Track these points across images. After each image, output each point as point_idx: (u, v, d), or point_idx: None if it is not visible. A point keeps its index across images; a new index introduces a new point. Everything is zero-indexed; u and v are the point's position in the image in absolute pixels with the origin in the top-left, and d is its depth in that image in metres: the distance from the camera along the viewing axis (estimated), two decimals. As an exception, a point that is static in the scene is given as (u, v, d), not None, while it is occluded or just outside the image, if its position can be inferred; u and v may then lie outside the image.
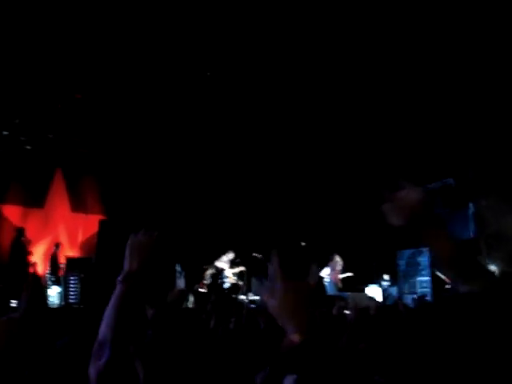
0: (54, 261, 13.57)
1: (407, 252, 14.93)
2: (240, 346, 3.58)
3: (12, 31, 9.33)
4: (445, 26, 8.89)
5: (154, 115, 12.38)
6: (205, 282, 13.85)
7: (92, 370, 1.72)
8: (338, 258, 14.25)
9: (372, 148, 13.12)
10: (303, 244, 14.67)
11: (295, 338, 1.53)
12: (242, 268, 14.00)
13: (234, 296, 12.92)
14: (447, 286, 13.13)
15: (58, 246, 14.01)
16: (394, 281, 15.14)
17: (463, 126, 11.16)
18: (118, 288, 1.93)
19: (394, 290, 14.87)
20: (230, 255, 14.02)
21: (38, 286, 12.50)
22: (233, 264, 14.05)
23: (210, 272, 13.95)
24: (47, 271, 13.49)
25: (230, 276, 14.03)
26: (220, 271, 13.87)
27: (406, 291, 14.43)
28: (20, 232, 13.22)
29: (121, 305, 1.87)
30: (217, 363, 2.15)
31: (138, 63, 10.48)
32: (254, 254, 13.86)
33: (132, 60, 10.39)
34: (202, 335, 3.82)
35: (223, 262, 13.99)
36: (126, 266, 2.02)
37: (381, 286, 14.83)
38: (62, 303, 12.24)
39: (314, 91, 11.37)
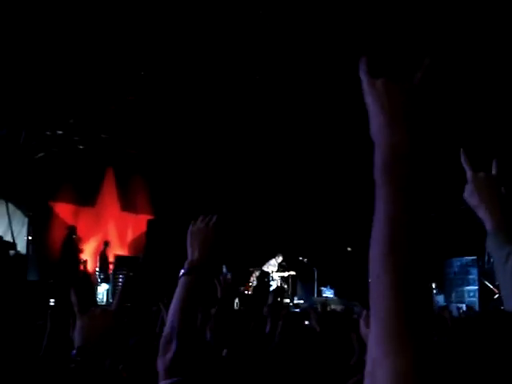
0: (103, 259, 13.84)
1: (455, 261, 14.73)
2: (297, 351, 3.57)
3: (67, 34, 9.54)
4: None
5: (204, 117, 12.48)
6: (250, 284, 13.92)
7: (160, 364, 1.73)
8: None
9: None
10: (349, 249, 14.61)
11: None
12: (291, 272, 14.01)
13: (279, 299, 12.95)
14: (495, 296, 12.91)
15: (107, 244, 14.27)
16: (441, 289, 14.95)
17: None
18: (183, 280, 1.90)
19: (440, 299, 14.69)
20: (279, 259, 14.03)
21: (89, 284, 12.80)
22: (281, 267, 14.06)
23: (256, 274, 14.00)
24: (96, 269, 13.75)
25: (277, 279, 14.06)
26: (267, 274, 13.90)
27: (453, 300, 14.25)
28: (72, 230, 13.50)
29: (186, 296, 1.85)
30: (281, 368, 2.15)
31: (188, 67, 10.61)
32: (301, 258, 13.88)
33: (182, 64, 10.51)
34: (259, 340, 3.85)
35: (271, 266, 14.01)
36: (189, 256, 1.99)
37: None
38: (110, 301, 12.45)
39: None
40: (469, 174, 1.87)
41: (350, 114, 11.78)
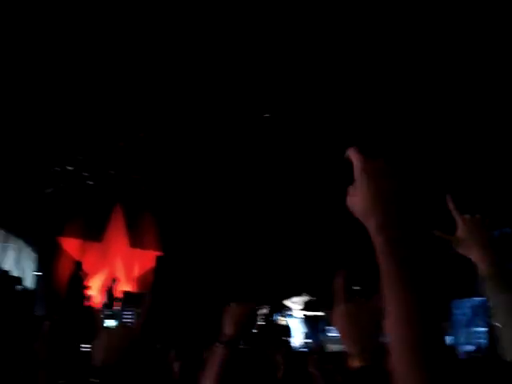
0: (110, 295, 13.79)
1: (464, 302, 14.58)
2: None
3: (79, 70, 9.69)
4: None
5: (213, 155, 12.56)
6: (257, 322, 13.80)
7: None
8: None
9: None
10: (357, 288, 14.43)
11: (355, 363, 1.52)
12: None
13: (284, 338, 12.86)
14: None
15: (114, 280, 14.24)
16: (449, 330, 14.77)
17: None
18: (219, 351, 2.00)
19: (449, 340, 14.50)
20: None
21: (92, 320, 12.74)
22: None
23: (262, 312, 13.87)
24: (102, 304, 13.70)
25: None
26: (276, 312, 13.79)
27: (462, 341, 14.05)
28: (78, 266, 13.50)
29: (221, 368, 1.94)
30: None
31: (197, 107, 10.73)
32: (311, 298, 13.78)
33: (192, 103, 10.64)
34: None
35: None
36: (225, 330, 2.10)
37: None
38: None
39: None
40: (458, 219, 1.87)
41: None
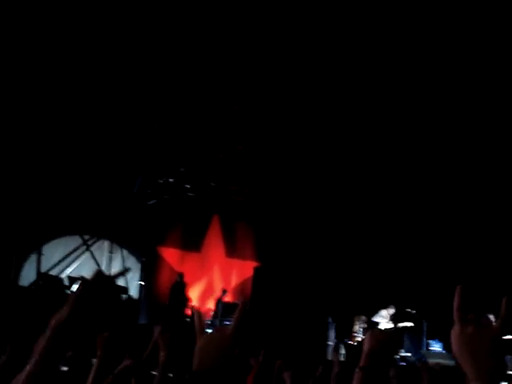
0: (219, 305, 13.89)
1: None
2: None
3: (177, 86, 9.97)
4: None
5: (308, 164, 12.58)
6: (355, 334, 13.64)
7: None
8: (492, 318, 13.50)
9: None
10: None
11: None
12: (407, 324, 13.59)
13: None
14: None
15: (224, 292, 14.37)
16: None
17: None
18: (359, 375, 2.01)
19: None
20: (391, 310, 13.65)
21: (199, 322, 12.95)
22: (393, 319, 13.67)
23: (359, 325, 13.70)
24: (212, 315, 13.82)
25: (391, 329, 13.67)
26: (374, 324, 13.55)
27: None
28: (181, 276, 13.78)
29: None
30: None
31: (293, 119, 10.81)
32: (408, 310, 13.49)
33: (287, 116, 10.73)
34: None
35: (381, 317, 13.65)
36: (365, 348, 2.10)
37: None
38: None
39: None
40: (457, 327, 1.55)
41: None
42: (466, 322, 1.52)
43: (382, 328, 13.64)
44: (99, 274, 1.53)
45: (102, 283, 1.56)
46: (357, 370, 2.02)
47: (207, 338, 1.77)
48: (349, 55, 9.36)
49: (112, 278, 1.60)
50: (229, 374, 1.73)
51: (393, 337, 2.15)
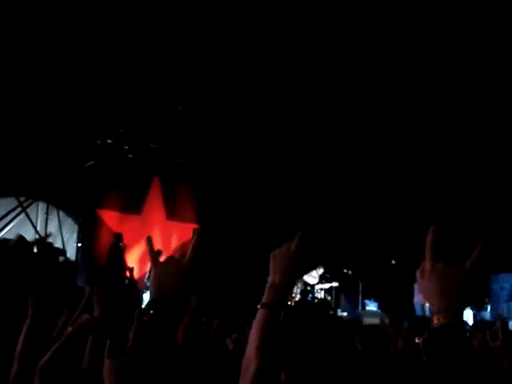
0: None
1: (502, 276, 14.49)
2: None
3: (120, 46, 9.76)
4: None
5: (247, 124, 12.55)
6: (293, 295, 13.88)
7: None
8: None
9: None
10: (393, 262, 14.47)
11: (438, 321, 1.51)
12: (334, 284, 13.92)
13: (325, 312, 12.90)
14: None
15: (159, 252, 14.36)
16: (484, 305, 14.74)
17: None
18: (262, 313, 1.82)
19: (487, 315, 14.47)
20: (320, 270, 13.96)
21: (135, 290, 12.95)
22: (323, 279, 13.98)
23: (298, 286, 13.96)
24: (146, 276, 13.85)
25: (318, 291, 13.98)
26: (310, 286, 13.85)
27: (502, 316, 13.98)
28: (118, 237, 13.70)
29: (264, 330, 1.79)
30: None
31: (234, 77, 10.73)
32: (345, 271, 13.83)
33: (229, 75, 10.65)
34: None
35: (312, 277, 13.95)
36: (270, 279, 1.91)
37: (473, 309, 14.44)
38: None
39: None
40: (428, 264, 1.60)
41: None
42: (436, 259, 1.59)
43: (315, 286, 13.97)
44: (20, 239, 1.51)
45: (23, 248, 1.55)
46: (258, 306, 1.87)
47: (164, 266, 1.76)
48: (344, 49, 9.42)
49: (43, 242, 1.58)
50: (187, 300, 1.73)
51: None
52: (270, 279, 1.91)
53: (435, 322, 1.51)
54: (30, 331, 2.57)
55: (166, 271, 1.77)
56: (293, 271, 1.91)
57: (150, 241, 1.93)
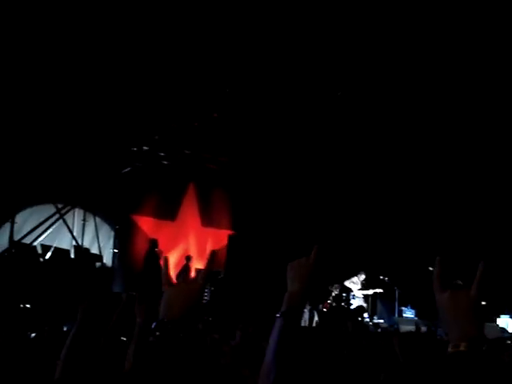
0: (185, 272, 14.02)
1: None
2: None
3: (153, 53, 9.84)
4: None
5: (285, 132, 12.55)
6: (329, 301, 13.81)
7: None
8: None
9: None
10: (430, 269, 14.26)
11: (453, 349, 1.50)
12: (378, 290, 13.83)
13: (359, 318, 12.79)
14: None
15: (189, 258, 14.44)
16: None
17: None
18: (280, 322, 1.85)
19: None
20: (361, 277, 13.90)
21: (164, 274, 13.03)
22: (365, 286, 13.92)
23: (334, 293, 13.88)
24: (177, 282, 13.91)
25: (360, 297, 13.92)
26: (347, 291, 13.77)
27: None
28: (154, 243, 13.78)
29: (283, 340, 1.82)
30: None
31: (270, 87, 10.75)
32: (381, 277, 13.69)
33: (264, 84, 10.67)
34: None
35: (353, 283, 13.89)
36: (288, 287, 1.95)
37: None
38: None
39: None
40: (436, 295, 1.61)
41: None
42: (444, 289, 1.60)
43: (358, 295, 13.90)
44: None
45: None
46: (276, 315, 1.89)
47: (176, 289, 1.76)
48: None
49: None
50: (195, 324, 1.73)
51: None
52: (288, 289, 1.95)
53: (449, 349, 1.50)
54: (75, 338, 2.58)
55: (177, 294, 1.76)
56: (310, 281, 1.96)
57: (165, 261, 1.94)
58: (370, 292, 13.91)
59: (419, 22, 8.58)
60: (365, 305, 13.95)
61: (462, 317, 1.54)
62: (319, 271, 1.98)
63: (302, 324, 12.60)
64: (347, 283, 13.89)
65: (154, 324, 1.69)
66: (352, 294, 13.87)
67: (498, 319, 13.69)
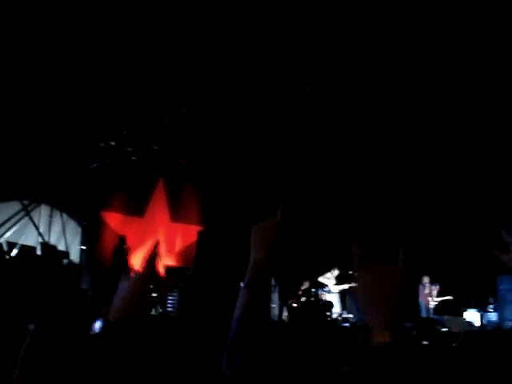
0: (152, 260, 13.90)
1: (509, 277, 14.37)
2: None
3: (123, 48, 9.72)
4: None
5: (254, 127, 12.52)
6: (299, 296, 13.86)
7: (226, 372, 1.63)
8: (425, 280, 14.00)
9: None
10: (356, 274, 14.34)
11: (377, 338, 1.38)
12: (353, 284, 13.89)
13: (327, 313, 12.87)
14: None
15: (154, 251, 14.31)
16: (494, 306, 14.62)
17: None
18: (244, 293, 1.73)
19: (493, 316, 14.36)
20: (335, 272, 14.03)
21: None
22: (338, 281, 14.05)
23: (304, 288, 13.93)
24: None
25: (336, 292, 14.05)
26: (316, 286, 13.86)
27: (507, 317, 13.88)
28: (122, 240, 13.64)
29: (247, 310, 1.70)
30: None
31: (238, 81, 10.70)
32: (350, 272, 13.75)
33: (233, 78, 10.62)
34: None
35: (327, 279, 13.99)
36: (252, 256, 1.78)
37: (480, 311, 14.35)
38: (159, 310, 12.51)
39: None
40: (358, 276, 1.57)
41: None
42: (366, 271, 1.51)
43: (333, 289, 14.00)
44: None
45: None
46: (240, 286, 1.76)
47: (128, 288, 1.71)
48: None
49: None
50: (146, 323, 1.68)
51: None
52: (251, 257, 1.79)
53: (375, 340, 1.39)
54: (34, 338, 2.50)
55: (131, 293, 1.72)
56: (275, 247, 1.79)
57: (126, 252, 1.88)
58: (346, 287, 14.03)
59: (419, 21, 8.62)
60: (338, 300, 14.07)
61: (383, 301, 1.44)
62: (286, 235, 1.82)
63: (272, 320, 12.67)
64: (321, 279, 14.00)
65: (100, 324, 1.63)
66: (327, 289, 13.98)
67: (464, 313, 13.89)
